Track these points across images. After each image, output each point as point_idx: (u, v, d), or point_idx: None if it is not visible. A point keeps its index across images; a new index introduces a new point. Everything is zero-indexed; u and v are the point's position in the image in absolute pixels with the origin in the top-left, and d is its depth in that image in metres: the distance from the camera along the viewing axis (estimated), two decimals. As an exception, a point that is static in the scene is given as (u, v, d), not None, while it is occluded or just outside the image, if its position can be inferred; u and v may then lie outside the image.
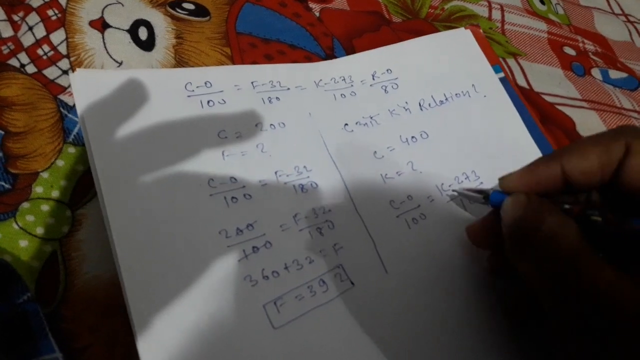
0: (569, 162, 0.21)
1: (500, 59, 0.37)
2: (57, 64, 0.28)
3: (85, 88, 0.25)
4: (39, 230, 0.24)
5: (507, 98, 0.33)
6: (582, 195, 0.22)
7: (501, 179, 0.23)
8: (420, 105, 0.32)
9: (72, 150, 0.26)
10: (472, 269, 0.27)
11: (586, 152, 0.20)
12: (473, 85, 0.33)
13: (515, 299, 0.25)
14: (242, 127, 0.27)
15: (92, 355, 0.21)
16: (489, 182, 0.30)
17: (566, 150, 0.21)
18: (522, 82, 0.37)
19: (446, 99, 0.32)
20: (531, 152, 0.32)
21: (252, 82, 0.28)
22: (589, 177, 0.20)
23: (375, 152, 0.29)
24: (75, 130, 0.27)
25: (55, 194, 0.25)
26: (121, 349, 0.22)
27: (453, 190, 0.27)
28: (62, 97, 0.27)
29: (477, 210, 0.29)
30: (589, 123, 0.36)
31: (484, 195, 0.24)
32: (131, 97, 0.25)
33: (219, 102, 0.27)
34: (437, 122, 0.31)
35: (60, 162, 0.26)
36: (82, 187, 0.25)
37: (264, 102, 0.28)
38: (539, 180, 0.22)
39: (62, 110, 0.27)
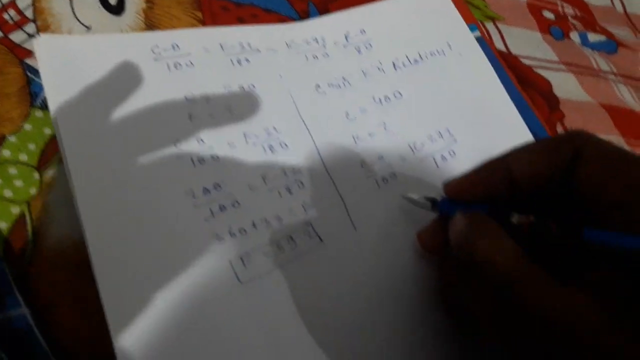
0: (516, 166, 0.20)
1: (479, 22, 0.37)
2: (24, 28, 0.28)
3: (50, 53, 0.25)
4: (7, 193, 0.24)
5: (483, 55, 0.33)
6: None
7: (445, 185, 0.22)
8: (394, 65, 0.31)
9: (39, 114, 0.26)
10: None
11: (534, 155, 0.20)
12: (448, 43, 0.33)
13: None
14: (210, 89, 0.26)
15: (60, 311, 0.22)
16: (464, 141, 0.30)
17: (513, 154, 0.20)
18: (500, 46, 0.37)
19: (421, 58, 0.32)
20: (508, 110, 0.32)
21: (220, 45, 0.28)
22: (537, 182, 0.20)
23: (348, 113, 0.29)
24: (43, 94, 0.26)
25: (23, 157, 0.25)
26: (88, 305, 0.22)
27: (403, 197, 0.26)
28: (28, 61, 0.27)
29: (448, 169, 0.29)
30: (565, 85, 0.35)
31: (432, 202, 0.24)
32: (96, 61, 0.25)
33: (186, 65, 0.27)
34: (411, 82, 0.31)
35: (27, 126, 0.25)
36: (50, 150, 0.25)
37: (233, 64, 0.28)
38: (485, 186, 0.21)
39: (28, 74, 0.27)
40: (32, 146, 0.25)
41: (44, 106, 0.26)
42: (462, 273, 0.20)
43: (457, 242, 0.20)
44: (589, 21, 0.42)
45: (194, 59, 0.27)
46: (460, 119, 0.31)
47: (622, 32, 0.42)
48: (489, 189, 0.21)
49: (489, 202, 0.21)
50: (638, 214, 0.16)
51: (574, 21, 0.41)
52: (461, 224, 0.20)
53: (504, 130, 0.32)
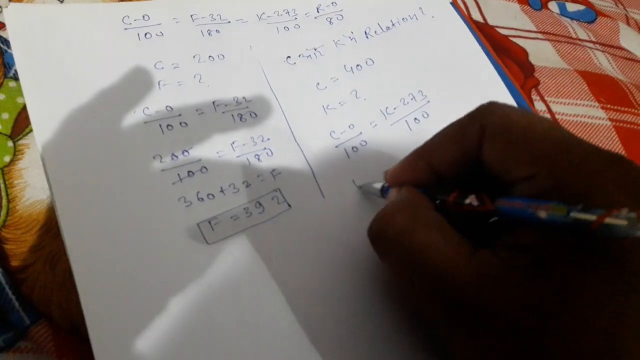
0: (432, 157, 0.20)
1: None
2: (-3, 2, 0.29)
3: (19, 23, 0.25)
4: (-18, 161, 0.24)
5: (457, 15, 0.33)
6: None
7: (385, 172, 0.23)
8: (366, 33, 0.32)
9: (13, 84, 0.26)
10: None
11: (446, 143, 0.20)
12: (420, 7, 0.33)
13: None
14: (180, 58, 0.27)
15: (33, 272, 0.22)
16: (437, 101, 0.30)
17: (428, 146, 0.21)
18: (477, 16, 0.37)
19: (393, 25, 0.32)
20: (483, 66, 0.32)
21: (191, 15, 0.28)
22: (454, 168, 0.20)
23: (318, 83, 0.29)
24: (16, 65, 0.27)
25: (-3, 127, 0.25)
26: (62, 265, 0.23)
27: (358, 186, 0.27)
28: (1, 33, 0.28)
29: (421, 131, 0.29)
30: (541, 53, 0.36)
31: (381, 188, 0.24)
32: (66, 31, 0.26)
33: (156, 35, 0.27)
34: (383, 48, 0.31)
35: (1, 96, 0.26)
36: (23, 119, 0.26)
37: (203, 35, 0.28)
38: (412, 175, 0.22)
39: (2, 45, 0.27)
40: (5, 115, 0.26)
41: (17, 77, 0.27)
42: (378, 244, 0.21)
43: (380, 213, 0.21)
44: (568, -9, 0.42)
45: (164, 29, 0.27)
46: (433, 79, 0.31)
47: (602, 2, 0.42)
48: (416, 180, 0.21)
49: (420, 187, 0.21)
50: (544, 185, 0.16)
51: (553, -9, 0.41)
52: (391, 197, 0.22)
53: (479, 87, 0.32)
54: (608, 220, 0.13)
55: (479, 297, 0.16)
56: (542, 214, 0.15)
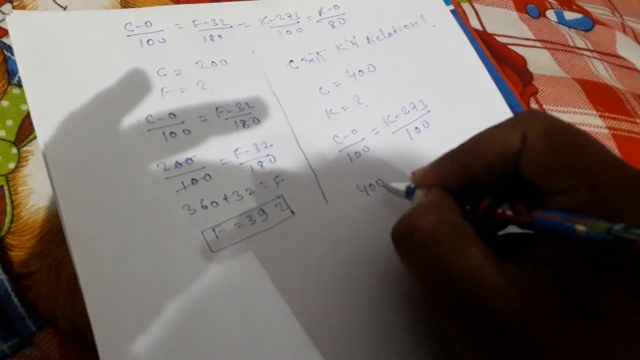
0: (469, 160, 0.20)
1: (456, 2, 0.37)
2: (0, 8, 0.28)
3: (22, 31, 0.25)
4: (-15, 168, 0.24)
5: (457, 25, 0.33)
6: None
7: (412, 173, 0.23)
8: (367, 38, 0.32)
9: (16, 91, 0.26)
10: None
11: (485, 147, 0.20)
12: (422, 15, 0.33)
13: None
14: (182, 64, 0.27)
15: (38, 279, 0.22)
16: (437, 111, 0.31)
17: (466, 146, 0.20)
18: (476, 24, 0.37)
19: (394, 31, 0.33)
20: (482, 78, 0.33)
21: (193, 21, 0.29)
22: (490, 173, 0.19)
23: (321, 87, 0.29)
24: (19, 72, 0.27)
25: (1, 133, 0.25)
26: (67, 272, 0.23)
27: (380, 185, 0.27)
28: (5, 40, 0.28)
29: (422, 141, 0.29)
30: (540, 61, 0.36)
31: (407, 189, 0.24)
32: (69, 38, 0.26)
33: (158, 41, 0.27)
34: (384, 55, 0.32)
35: (5, 103, 0.26)
36: (28, 126, 0.26)
37: (205, 40, 0.28)
38: (443, 177, 0.21)
39: (5, 52, 0.27)
40: (9, 122, 0.26)
41: (21, 84, 0.27)
42: (403, 247, 0.20)
43: (406, 216, 0.20)
44: (566, 0, 0.42)
45: (166, 35, 0.27)
46: (433, 89, 0.31)
47: (599, 10, 0.43)
48: (448, 181, 0.21)
49: (451, 190, 0.21)
50: (582, 198, 0.16)
51: (551, 0, 0.41)
52: (418, 198, 0.21)
53: (478, 99, 0.32)
54: None
55: (505, 311, 0.15)
56: (581, 229, 0.15)
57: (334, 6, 0.32)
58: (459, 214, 0.19)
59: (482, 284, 0.16)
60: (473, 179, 0.20)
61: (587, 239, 0.15)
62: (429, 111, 0.30)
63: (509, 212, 0.18)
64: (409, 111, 0.30)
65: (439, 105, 0.31)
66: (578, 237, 0.15)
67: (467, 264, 0.16)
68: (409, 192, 0.23)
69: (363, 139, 0.29)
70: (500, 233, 0.21)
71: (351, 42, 0.31)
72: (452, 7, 0.34)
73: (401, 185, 0.24)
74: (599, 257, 0.15)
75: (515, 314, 0.15)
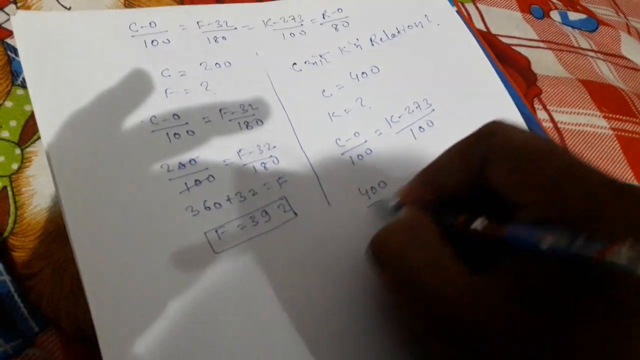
0: (438, 179, 0.21)
1: (460, 4, 0.37)
2: (4, 9, 0.29)
3: (27, 31, 0.25)
4: (-11, 168, 0.24)
5: (462, 23, 0.33)
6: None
7: (399, 190, 0.23)
8: (371, 41, 0.32)
9: (20, 92, 0.27)
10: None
11: (451, 166, 0.20)
12: (426, 15, 0.33)
13: None
14: (186, 66, 0.27)
15: (41, 280, 0.23)
16: (442, 109, 0.31)
17: (436, 166, 0.21)
18: (480, 25, 0.37)
19: (398, 32, 0.32)
20: (488, 75, 0.32)
21: (197, 22, 0.29)
22: (461, 189, 0.20)
23: (324, 90, 0.29)
24: (24, 73, 0.27)
25: (4, 134, 0.25)
26: (70, 273, 0.23)
27: (370, 205, 0.27)
28: (9, 41, 0.28)
29: (426, 140, 0.29)
30: (544, 62, 0.36)
31: (395, 205, 0.24)
32: (73, 38, 0.26)
33: (163, 42, 0.27)
34: (388, 56, 0.31)
35: (8, 104, 0.26)
36: (31, 127, 0.26)
37: (210, 42, 0.28)
38: (421, 195, 0.22)
39: (9, 53, 0.27)
40: (13, 123, 0.26)
41: (25, 84, 0.27)
42: (375, 260, 0.21)
43: (377, 233, 0.21)
44: (570, 0, 0.42)
45: (170, 36, 0.27)
46: (438, 88, 0.31)
47: (604, 11, 0.42)
48: (426, 198, 0.21)
49: (428, 208, 0.21)
50: (544, 213, 0.16)
51: (555, 0, 0.41)
52: (396, 217, 0.22)
53: (484, 95, 0.32)
54: (608, 256, 0.13)
55: (474, 325, 0.16)
56: (544, 245, 0.15)
57: (338, 9, 0.32)
58: (434, 231, 0.19)
59: (451, 295, 0.16)
60: (447, 195, 0.20)
61: (549, 253, 0.15)
62: (434, 110, 0.30)
63: (479, 228, 0.18)
64: (412, 111, 0.30)
65: (444, 103, 0.31)
66: (543, 252, 0.15)
67: (436, 278, 0.17)
68: (396, 209, 0.24)
69: (366, 141, 0.29)
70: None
71: (355, 44, 0.31)
72: (455, 8, 0.34)
73: (391, 202, 0.24)
74: (565, 268, 0.15)
75: (483, 322, 0.15)
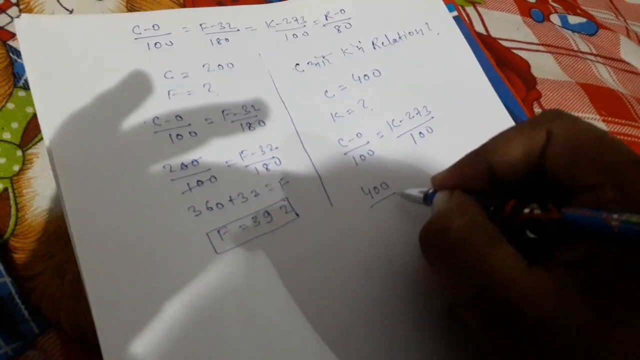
0: (493, 157, 0.20)
1: (460, 8, 0.38)
2: (7, 11, 0.29)
3: (31, 34, 0.25)
4: (-10, 170, 0.24)
5: (461, 35, 0.34)
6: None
7: (432, 178, 0.23)
8: (373, 44, 0.32)
9: (22, 94, 0.27)
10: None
11: (510, 144, 0.19)
12: (426, 23, 0.34)
13: None
14: (189, 67, 0.27)
15: (42, 281, 0.22)
16: (441, 117, 0.31)
17: (490, 145, 0.20)
18: (480, 29, 0.38)
19: (399, 37, 0.33)
20: (483, 88, 0.33)
21: (200, 24, 0.29)
22: (515, 170, 0.19)
23: (327, 91, 0.29)
24: (25, 75, 0.27)
25: (6, 135, 0.25)
26: (71, 274, 0.23)
27: (395, 193, 0.27)
28: (11, 43, 0.28)
29: (425, 145, 0.29)
30: (544, 65, 0.36)
31: (424, 195, 0.23)
32: (76, 41, 0.26)
33: (166, 44, 0.27)
34: (389, 60, 0.32)
35: (10, 105, 0.26)
36: (33, 129, 0.26)
37: (212, 44, 0.28)
38: (467, 177, 0.21)
39: (11, 55, 0.27)
40: (15, 125, 0.26)
41: (27, 86, 0.27)
42: (432, 253, 0.20)
43: (435, 219, 0.20)
44: (569, 3, 0.42)
45: (173, 39, 0.28)
46: (437, 96, 0.31)
47: (603, 15, 0.43)
48: (471, 181, 0.21)
49: (473, 192, 0.21)
50: (609, 195, 0.16)
51: (554, 4, 0.41)
52: (441, 201, 0.21)
53: (480, 106, 0.32)
54: None
55: (540, 314, 0.15)
56: (615, 223, 0.14)
57: (340, 10, 0.32)
58: (486, 217, 0.19)
59: (516, 287, 0.16)
60: (497, 179, 0.20)
61: (620, 233, 0.14)
62: (433, 117, 0.31)
63: (537, 211, 0.17)
64: (413, 116, 0.30)
65: (443, 112, 0.31)
66: (610, 233, 0.15)
67: (500, 267, 0.16)
68: (428, 198, 0.23)
69: (368, 142, 0.29)
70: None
71: (357, 46, 0.32)
72: (455, 13, 0.34)
73: (416, 191, 0.24)
74: (630, 254, 0.15)
75: (551, 317, 0.15)
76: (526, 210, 0.18)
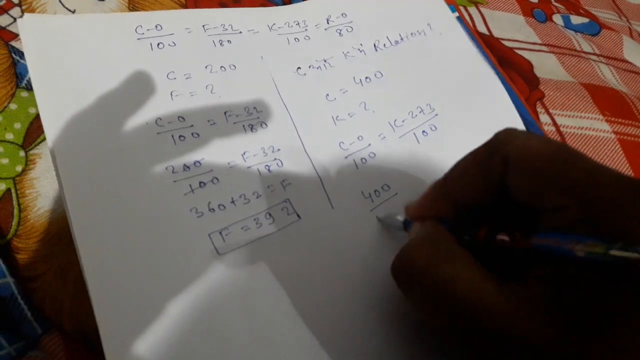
0: (455, 192, 0.20)
1: (461, 8, 0.38)
2: (9, 12, 0.29)
3: (34, 34, 0.25)
4: (-7, 170, 0.24)
5: (464, 33, 0.34)
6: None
7: (406, 208, 0.23)
8: (375, 46, 0.32)
9: (24, 94, 0.27)
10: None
11: (469, 177, 0.20)
12: (428, 24, 0.33)
13: None
14: (192, 68, 0.27)
15: (44, 282, 0.22)
16: (445, 113, 0.31)
17: (451, 178, 0.21)
18: (482, 29, 0.37)
19: (401, 39, 0.33)
20: (491, 83, 0.33)
21: (203, 26, 0.29)
22: (479, 200, 0.19)
23: (328, 94, 0.29)
24: (28, 75, 0.27)
25: (9, 136, 0.25)
26: (73, 275, 0.23)
27: (377, 217, 0.27)
28: (13, 43, 0.28)
29: (429, 144, 0.29)
30: (546, 65, 0.36)
31: (404, 221, 0.24)
32: (79, 41, 0.26)
33: (169, 45, 0.27)
34: (392, 62, 0.32)
35: (13, 106, 0.26)
36: (35, 129, 0.26)
37: (215, 45, 0.28)
38: (435, 210, 0.21)
39: (14, 56, 0.27)
40: (17, 125, 0.26)
41: (29, 87, 0.27)
42: (409, 286, 0.20)
43: (402, 251, 0.20)
44: (572, 4, 0.42)
45: (176, 39, 0.28)
46: (441, 93, 0.31)
47: (606, 15, 0.43)
48: (440, 213, 0.21)
49: (446, 221, 0.21)
50: (573, 216, 0.16)
51: (557, 4, 0.41)
52: (413, 231, 0.22)
53: (485, 101, 0.32)
54: None
55: (510, 331, 0.15)
56: (580, 253, 0.15)
57: (342, 14, 0.32)
58: (454, 243, 0.19)
59: (485, 306, 0.16)
60: (464, 207, 0.20)
61: (586, 259, 0.15)
62: (437, 114, 0.30)
63: (506, 239, 0.18)
64: (416, 115, 0.30)
65: (447, 107, 0.31)
66: (576, 259, 0.15)
67: (468, 289, 0.16)
68: (407, 225, 0.23)
69: (369, 144, 0.29)
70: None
71: (358, 49, 0.31)
72: (456, 14, 0.34)
73: (399, 218, 0.24)
74: (601, 272, 0.15)
75: (520, 331, 0.15)
76: (499, 238, 0.18)
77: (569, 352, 0.14)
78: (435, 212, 0.21)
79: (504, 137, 0.19)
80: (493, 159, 0.18)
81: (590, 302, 0.15)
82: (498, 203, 0.19)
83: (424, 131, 0.30)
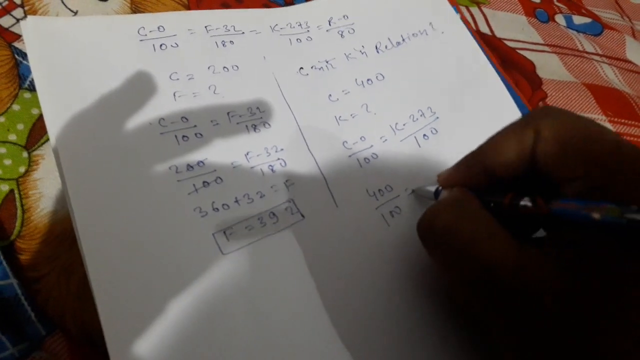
0: (488, 160, 0.21)
1: (463, 8, 0.38)
2: (12, 12, 0.29)
3: (37, 35, 0.25)
4: (-3, 171, 0.24)
5: (466, 32, 0.33)
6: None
7: (438, 176, 0.24)
8: (376, 48, 0.32)
9: (27, 95, 0.27)
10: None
11: (502, 146, 0.21)
12: (430, 23, 0.33)
13: None
14: (194, 69, 0.27)
15: (48, 283, 0.22)
16: (446, 117, 0.31)
17: (485, 147, 0.22)
18: (485, 29, 0.37)
19: (403, 40, 0.33)
20: (493, 83, 0.33)
21: (205, 27, 0.29)
22: (509, 170, 0.20)
23: (330, 95, 0.29)
24: (31, 76, 0.27)
25: (12, 137, 0.25)
26: (77, 276, 0.23)
27: (412, 190, 0.28)
28: (16, 44, 0.28)
29: (430, 148, 0.29)
30: (549, 66, 0.36)
31: (435, 191, 0.25)
32: (82, 42, 0.26)
33: (171, 46, 0.27)
34: (393, 63, 0.32)
35: (16, 107, 0.26)
36: (38, 130, 0.26)
37: (218, 46, 0.28)
38: (466, 178, 0.22)
39: (17, 57, 0.27)
40: (20, 126, 0.26)
41: (32, 88, 0.27)
42: (427, 240, 0.21)
43: (425, 212, 0.21)
44: (574, 4, 0.42)
45: (179, 40, 0.28)
46: (442, 96, 0.31)
47: (609, 15, 0.43)
48: (471, 181, 0.22)
49: (474, 189, 0.22)
50: (595, 184, 0.17)
51: (559, 4, 0.41)
52: (442, 197, 0.23)
53: (488, 103, 0.32)
54: None
55: (526, 290, 0.16)
56: (596, 215, 0.15)
57: (344, 16, 0.32)
58: (481, 206, 0.20)
59: (506, 264, 0.17)
60: (494, 177, 0.21)
61: (603, 224, 0.15)
62: (438, 118, 0.30)
63: (528, 205, 0.19)
64: (417, 119, 0.30)
65: (448, 111, 0.31)
66: (593, 223, 0.16)
67: (490, 248, 0.17)
68: (437, 194, 0.24)
69: (371, 146, 0.29)
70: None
71: (360, 51, 0.31)
72: (458, 15, 0.34)
73: (431, 188, 0.25)
74: (618, 239, 0.16)
75: (537, 290, 0.16)
76: (522, 203, 0.19)
77: (586, 311, 0.15)
78: (467, 180, 0.22)
79: (540, 111, 0.20)
80: (526, 130, 0.19)
81: (606, 263, 0.15)
82: (528, 175, 0.20)
83: (424, 135, 0.30)
